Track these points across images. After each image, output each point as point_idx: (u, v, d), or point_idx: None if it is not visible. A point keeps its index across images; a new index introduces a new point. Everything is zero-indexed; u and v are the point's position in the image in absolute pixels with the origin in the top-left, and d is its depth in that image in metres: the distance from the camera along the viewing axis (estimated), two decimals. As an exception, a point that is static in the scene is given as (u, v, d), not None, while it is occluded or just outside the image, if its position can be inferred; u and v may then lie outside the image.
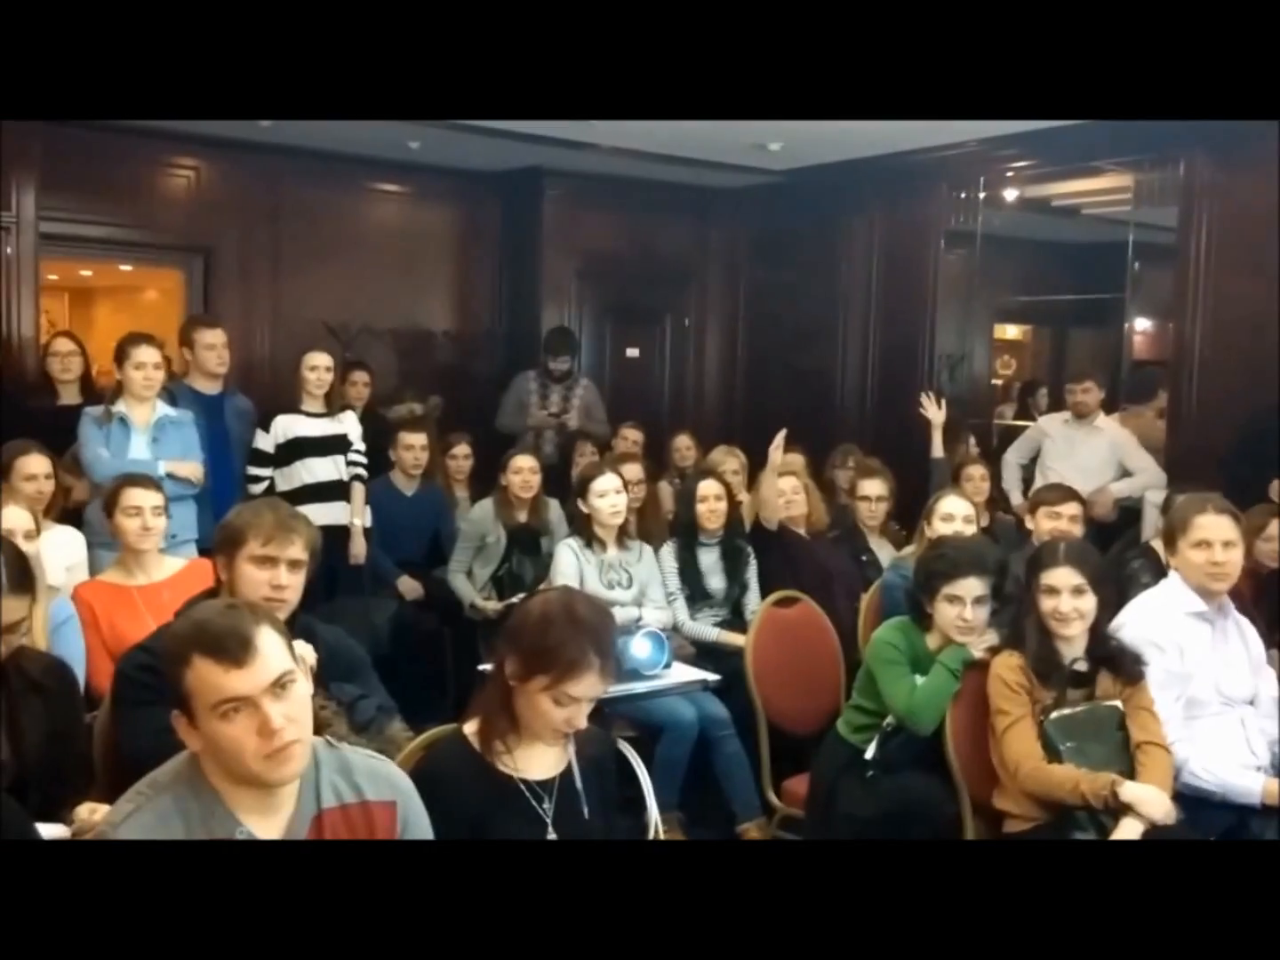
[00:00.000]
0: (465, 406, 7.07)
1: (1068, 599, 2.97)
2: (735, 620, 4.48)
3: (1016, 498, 5.78)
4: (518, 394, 6.71)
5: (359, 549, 5.04)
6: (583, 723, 2.21)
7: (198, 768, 1.74)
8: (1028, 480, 5.80)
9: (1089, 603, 2.98)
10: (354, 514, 5.07)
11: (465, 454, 5.82)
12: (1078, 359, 8.16)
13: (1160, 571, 3.49)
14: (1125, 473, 5.60)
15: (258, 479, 5.01)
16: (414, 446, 5.45)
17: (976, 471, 5.24)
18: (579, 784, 2.28)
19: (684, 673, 3.89)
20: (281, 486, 4.96)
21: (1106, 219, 7.06)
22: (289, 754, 1.69)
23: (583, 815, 2.27)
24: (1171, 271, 5.80)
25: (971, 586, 3.16)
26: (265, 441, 5.01)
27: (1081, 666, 3.02)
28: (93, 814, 2.33)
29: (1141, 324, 7.03)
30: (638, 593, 4.42)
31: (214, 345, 5.06)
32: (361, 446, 5.16)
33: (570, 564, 4.33)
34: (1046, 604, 3.00)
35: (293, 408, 5.08)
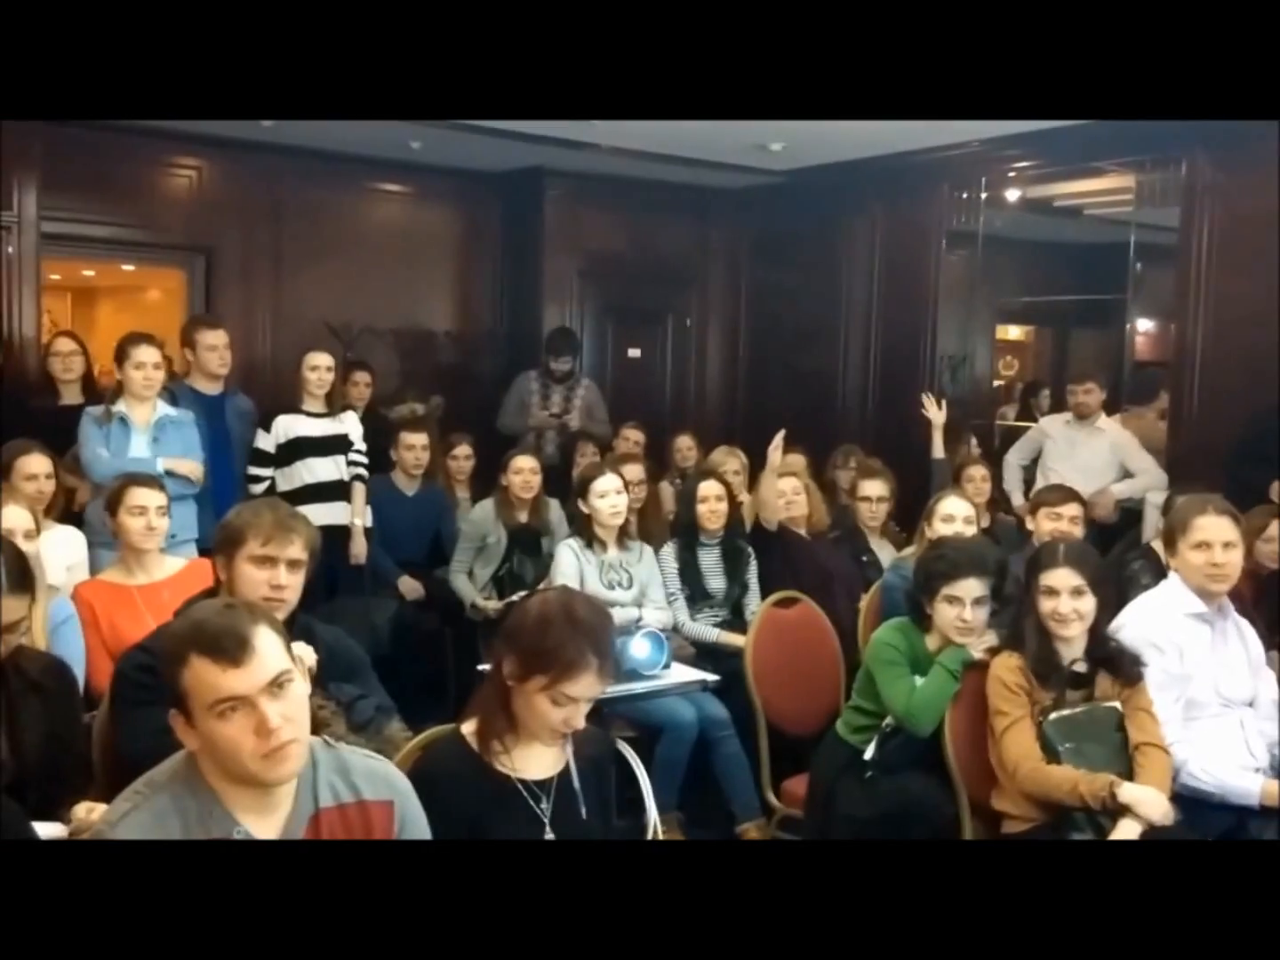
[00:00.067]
0: (466, 407, 7.06)
1: (1067, 600, 2.97)
2: (735, 621, 4.48)
3: (1017, 499, 5.78)
4: (519, 394, 6.70)
5: (360, 549, 5.05)
6: (581, 723, 2.20)
7: (195, 767, 1.74)
8: (1029, 481, 5.80)
9: (1088, 604, 2.98)
10: (355, 514, 5.07)
11: (466, 454, 5.82)
12: (1079, 360, 8.12)
13: (1161, 573, 3.48)
14: (1126, 474, 5.60)
15: (258, 479, 5.01)
16: (415, 446, 5.45)
17: (977, 472, 5.23)
18: (577, 784, 2.28)
19: (683, 673, 3.89)
20: (282, 486, 4.96)
21: (1108, 219, 7.04)
22: (286, 753, 1.69)
23: (581, 815, 2.26)
24: (1173, 272, 5.80)
25: (971, 587, 3.16)
26: (266, 441, 5.01)
27: (1081, 667, 3.02)
28: (90, 813, 2.33)
29: (1143, 325, 7.02)
30: (638, 593, 4.41)
31: (215, 346, 5.06)
32: (362, 446, 5.16)
33: (571, 564, 4.33)
34: (1046, 605, 3.00)
35: (294, 408, 5.08)
